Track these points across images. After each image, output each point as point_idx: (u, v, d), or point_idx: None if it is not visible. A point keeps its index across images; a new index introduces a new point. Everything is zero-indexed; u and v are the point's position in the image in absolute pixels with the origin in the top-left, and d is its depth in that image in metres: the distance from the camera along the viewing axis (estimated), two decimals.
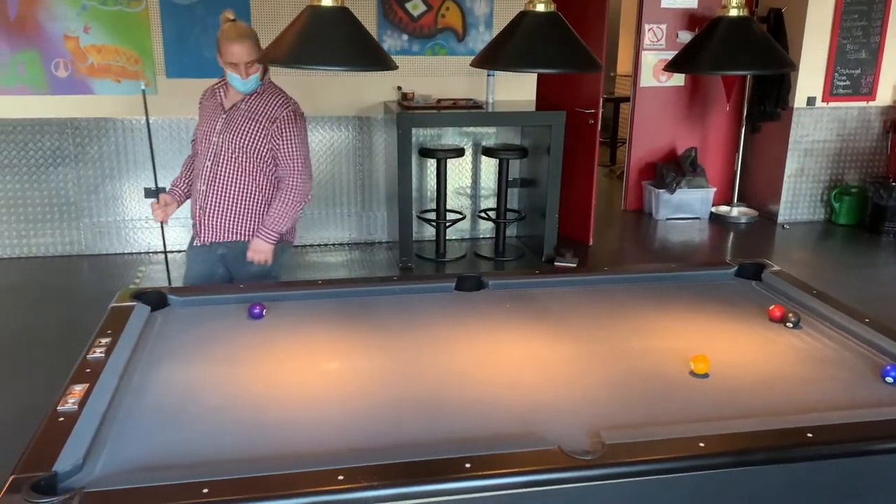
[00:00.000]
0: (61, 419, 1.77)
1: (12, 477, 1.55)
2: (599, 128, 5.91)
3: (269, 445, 1.75)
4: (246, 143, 3.04)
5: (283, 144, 3.07)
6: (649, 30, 6.91)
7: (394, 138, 5.31)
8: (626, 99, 8.56)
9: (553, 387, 2.06)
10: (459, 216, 5.92)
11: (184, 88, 5.52)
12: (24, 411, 2.26)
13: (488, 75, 5.60)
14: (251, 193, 3.12)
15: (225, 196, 3.11)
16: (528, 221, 5.99)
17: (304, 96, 5.75)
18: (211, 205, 3.12)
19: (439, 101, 5.62)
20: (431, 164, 5.89)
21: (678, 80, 7.08)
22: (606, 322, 2.50)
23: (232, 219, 3.14)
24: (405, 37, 5.73)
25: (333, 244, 6.10)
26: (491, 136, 6.01)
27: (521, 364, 2.20)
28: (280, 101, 3.09)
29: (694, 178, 7.00)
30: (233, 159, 3.06)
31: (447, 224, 5.80)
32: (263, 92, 3.07)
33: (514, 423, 1.86)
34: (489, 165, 6.09)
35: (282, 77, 5.73)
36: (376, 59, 1.84)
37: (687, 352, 2.20)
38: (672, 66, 2.25)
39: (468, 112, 5.49)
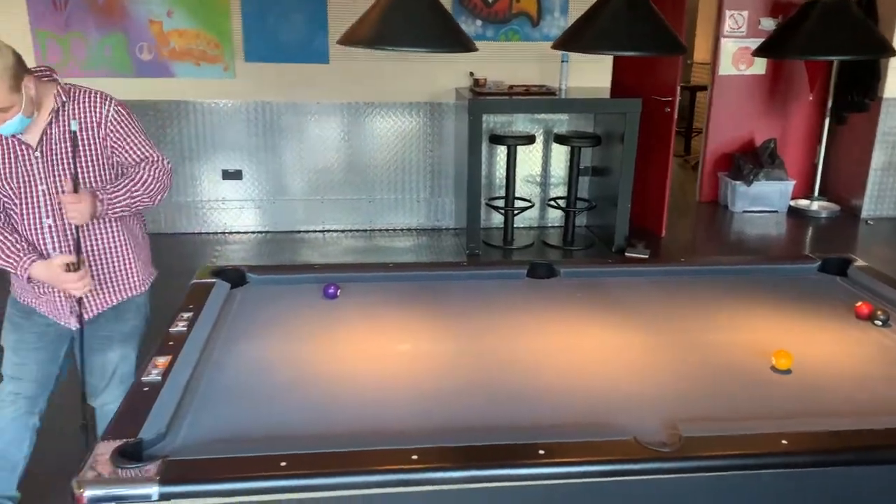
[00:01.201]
0: (146, 389, 1.83)
1: (100, 442, 1.61)
2: (676, 116, 5.77)
3: (343, 423, 1.78)
4: (93, 171, 2.32)
5: (125, 143, 2.34)
6: (730, 16, 6.69)
7: (464, 125, 5.30)
8: (703, 87, 8.34)
9: (627, 377, 2.03)
10: (528, 204, 5.88)
11: (261, 72, 5.63)
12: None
13: (562, 61, 5.52)
14: (126, 227, 2.46)
15: (109, 252, 2.42)
16: (598, 211, 5.90)
17: (377, 82, 5.84)
18: (99, 273, 2.42)
19: (511, 87, 5.58)
20: (501, 150, 5.86)
21: (759, 68, 6.84)
22: (682, 314, 2.44)
23: (129, 270, 2.48)
24: (479, 22, 5.70)
25: (401, 229, 6.14)
26: (563, 123, 5.94)
27: (594, 353, 2.17)
28: (96, 100, 2.32)
29: (772, 171, 6.77)
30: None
31: (515, 212, 5.76)
32: (70, 99, 2.29)
33: (587, 412, 1.84)
34: (559, 153, 6.02)
35: (354, 63, 5.83)
36: (457, 41, 1.84)
37: (767, 347, 2.13)
38: (761, 52, 2.17)
39: (541, 98, 5.43)
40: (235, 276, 2.61)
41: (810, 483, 1.66)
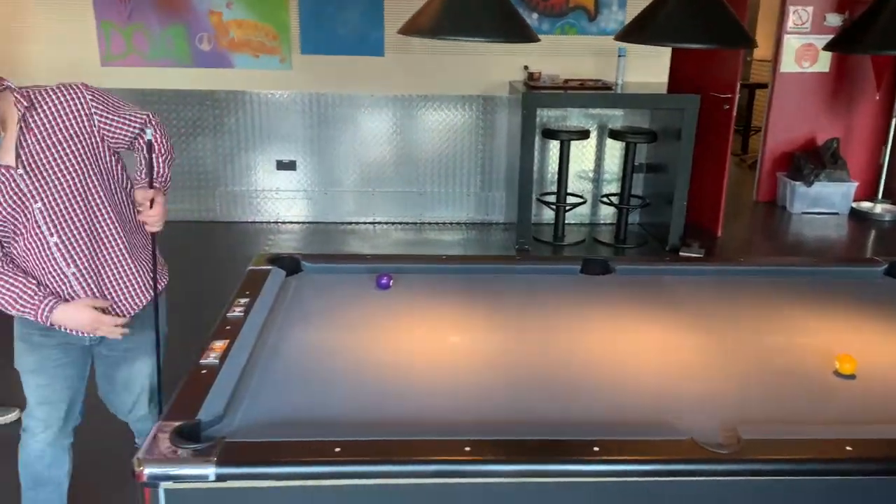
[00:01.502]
0: (203, 371, 1.86)
1: (160, 422, 1.65)
2: (735, 114, 5.64)
3: (395, 411, 1.78)
4: (82, 173, 2.08)
5: (118, 121, 2.13)
6: (794, 12, 6.51)
7: (517, 118, 5.27)
8: (762, 85, 8.14)
9: (683, 376, 1.99)
10: (580, 200, 5.82)
11: (317, 64, 5.68)
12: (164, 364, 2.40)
13: (619, 56, 5.45)
14: (135, 228, 2.25)
15: (118, 260, 2.19)
16: (652, 208, 5.81)
17: (430, 76, 5.84)
18: (111, 286, 2.19)
19: (566, 81, 5.52)
20: (554, 145, 5.81)
21: (822, 65, 6.64)
22: (741, 314, 2.39)
23: (138, 279, 2.25)
24: (535, 15, 5.65)
25: (450, 223, 6.14)
26: (618, 118, 5.85)
27: (649, 351, 2.13)
28: (68, 94, 2.06)
29: (834, 171, 6.57)
30: (86, 208, 2.10)
31: (567, 207, 5.71)
32: (35, 103, 2.02)
33: (642, 410, 1.81)
34: (614, 149, 5.94)
35: (409, 56, 5.84)
36: (519, 31, 1.82)
37: (830, 351, 2.07)
38: (833, 46, 2.10)
39: (596, 93, 5.36)
40: (291, 264, 2.63)
41: (875, 492, 1.61)
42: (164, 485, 1.52)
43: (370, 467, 1.54)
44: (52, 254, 2.08)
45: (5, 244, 2.08)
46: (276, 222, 6.08)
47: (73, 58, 5.54)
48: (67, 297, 2.13)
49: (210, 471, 1.50)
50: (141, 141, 2.21)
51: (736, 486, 1.59)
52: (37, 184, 2.01)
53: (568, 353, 2.10)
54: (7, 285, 2.05)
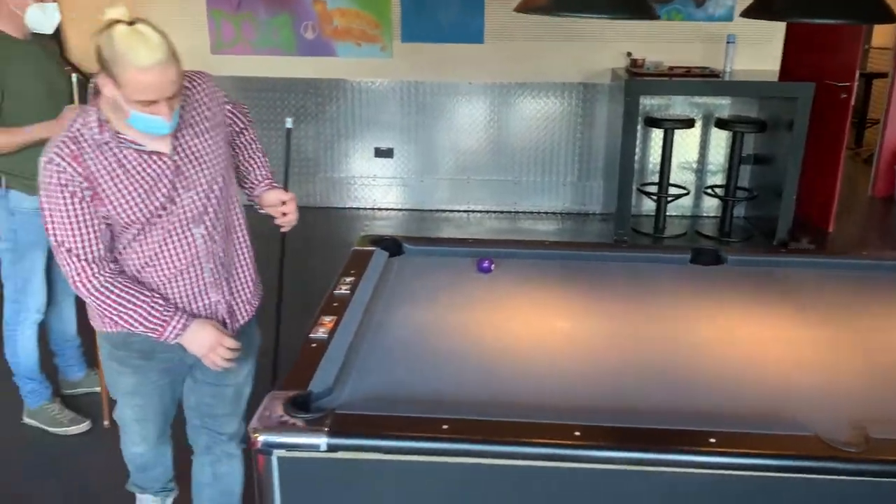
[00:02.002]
0: (314, 345, 1.90)
1: (272, 392, 1.69)
2: (852, 103, 5.33)
3: (502, 393, 1.77)
4: (223, 162, 2.02)
5: (233, 109, 2.16)
6: None
7: (619, 106, 5.14)
8: (881, 75, 7.66)
9: (804, 371, 1.89)
10: (683, 191, 5.64)
11: (417, 52, 5.72)
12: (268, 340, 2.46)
13: (727, 42, 5.23)
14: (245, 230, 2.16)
15: (240, 259, 2.13)
16: (758, 201, 5.57)
17: (530, 63, 5.78)
18: (236, 284, 2.11)
19: (671, 68, 5.35)
20: (657, 134, 5.65)
21: None
22: (865, 309, 2.25)
23: (254, 276, 2.19)
24: None
25: (546, 212, 6.07)
26: (724, 107, 5.63)
27: (766, 344, 2.04)
28: (205, 78, 2.03)
29: None
30: (224, 200, 2.03)
31: (669, 199, 5.54)
32: (191, 86, 1.97)
33: (759, 403, 1.73)
34: (719, 139, 5.72)
35: (510, 43, 5.80)
36: (640, 8, 1.76)
37: None
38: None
39: (704, 81, 5.17)
40: (393, 246, 2.66)
41: None
42: (277, 452, 1.55)
43: (477, 446, 1.54)
44: (196, 247, 1.96)
45: (124, 254, 1.92)
46: (373, 208, 6.17)
47: (185, 46, 5.66)
48: (200, 292, 2.00)
49: (322, 440, 1.53)
50: (247, 135, 2.21)
51: (860, 487, 1.50)
52: (189, 173, 1.92)
53: (679, 343, 2.03)
54: (134, 301, 1.87)
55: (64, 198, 1.78)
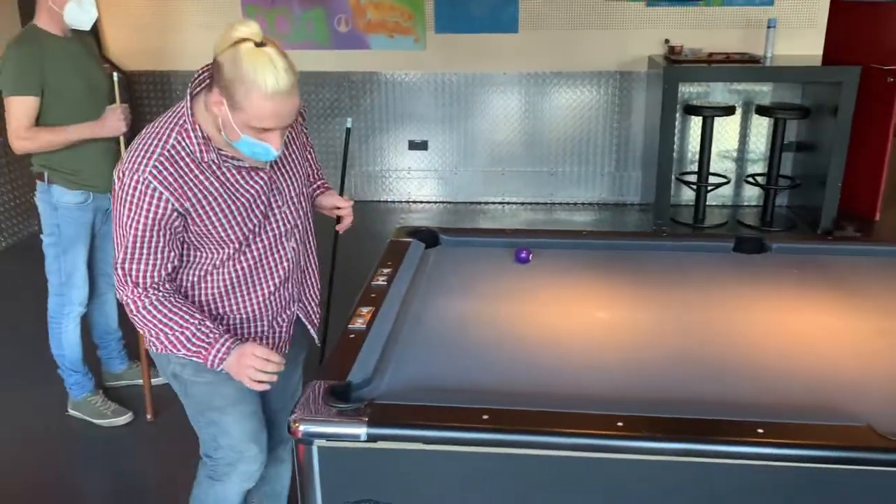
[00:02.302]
0: (352, 336, 1.89)
1: (313, 382, 1.69)
2: None
3: (543, 384, 1.75)
4: (305, 171, 1.98)
5: (303, 119, 2.05)
6: None
7: (656, 94, 5.06)
8: None
9: (855, 361, 1.83)
10: (723, 180, 5.53)
11: (450, 43, 5.69)
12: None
13: (768, 27, 5.11)
14: None
15: (312, 264, 2.09)
16: (801, 190, 5.44)
17: (565, 51, 5.71)
18: (309, 289, 2.09)
19: (710, 55, 5.25)
20: (695, 123, 5.55)
21: None
22: None
23: (319, 279, 2.16)
24: None
25: (582, 203, 6.00)
26: (765, 94, 5.51)
27: (814, 333, 1.98)
28: None
29: None
30: (307, 209, 2.01)
31: (709, 188, 5.44)
32: None
33: (808, 393, 1.68)
34: (760, 127, 5.61)
35: (544, 32, 5.74)
36: None
37: None
38: None
39: (743, 67, 5.06)
40: (429, 237, 2.64)
41: None
42: (317, 442, 1.55)
43: (517, 437, 1.51)
44: (288, 260, 1.93)
45: (214, 274, 1.85)
46: (408, 201, 6.17)
47: None
48: (287, 304, 1.97)
49: (362, 430, 1.52)
50: (306, 134, 2.05)
51: None
52: (283, 187, 1.87)
53: (723, 332, 1.99)
54: (181, 322, 1.77)
55: (145, 225, 1.70)
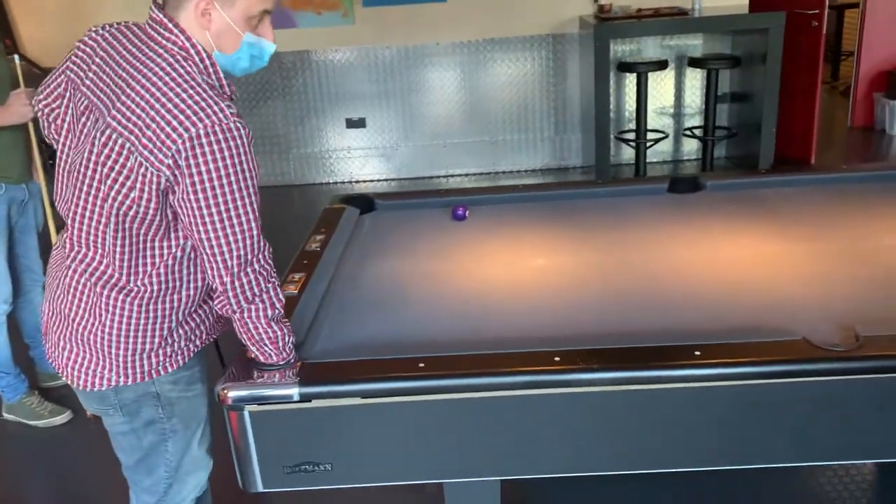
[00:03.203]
0: None
1: (239, 350, 1.62)
2: (824, 31, 5.25)
3: (481, 330, 1.71)
4: None
5: None
6: None
7: (590, 55, 5.04)
8: (851, 5, 7.58)
9: (790, 283, 1.83)
10: (662, 135, 5.56)
11: (379, 16, 5.59)
12: None
13: None
14: None
15: None
16: (739, 139, 5.50)
17: (496, 17, 5.66)
18: None
19: (639, 10, 5.26)
20: (630, 80, 5.56)
21: None
22: (848, 221, 2.20)
23: None
24: None
25: (526, 170, 5.99)
26: (696, 48, 5.54)
27: (751, 262, 1.98)
28: None
29: None
30: None
31: (648, 144, 5.47)
32: None
33: (747, 316, 1.67)
34: (693, 81, 5.65)
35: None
36: None
37: None
38: None
39: (672, 19, 5.07)
40: (364, 203, 2.58)
41: None
42: (248, 408, 1.49)
43: (455, 381, 1.47)
44: None
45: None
46: (350, 182, 6.07)
47: None
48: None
49: (293, 391, 1.47)
50: None
51: (855, 386, 1.45)
52: None
53: (662, 268, 1.97)
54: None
55: (254, 179, 1.42)
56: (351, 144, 5.99)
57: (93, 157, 1.45)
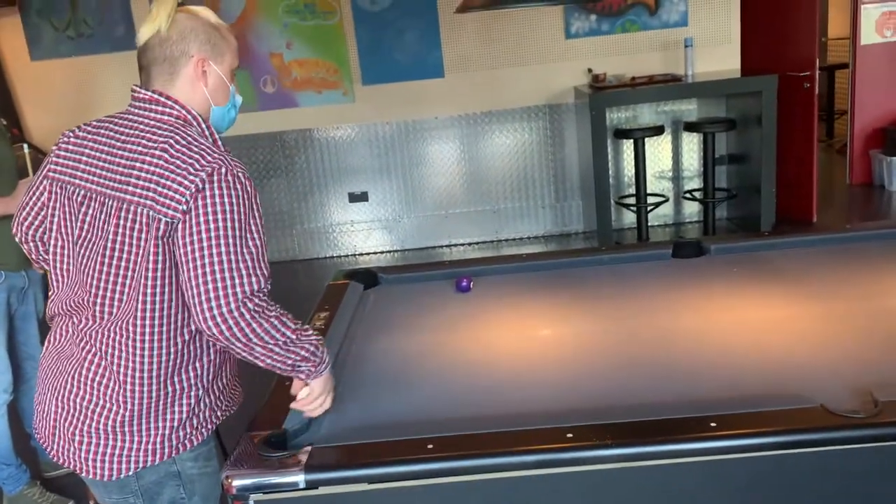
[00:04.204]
0: (287, 383, 1.79)
1: (245, 434, 1.59)
2: (817, 92, 5.34)
3: (490, 406, 1.67)
4: None
5: None
6: None
7: (586, 123, 5.12)
8: (842, 65, 7.73)
9: (804, 347, 1.80)
10: (662, 199, 5.60)
11: (379, 93, 5.71)
12: (251, 379, 2.34)
13: (686, 46, 5.26)
14: None
15: None
16: (739, 201, 5.53)
17: (492, 91, 5.77)
18: None
19: (633, 78, 5.36)
20: (628, 146, 5.63)
21: None
22: (857, 281, 2.18)
23: None
24: (593, 17, 5.53)
25: (528, 237, 6.01)
26: (692, 112, 5.63)
27: (761, 326, 1.95)
28: None
29: None
30: None
31: (649, 208, 5.50)
32: None
33: (760, 383, 1.64)
34: (691, 144, 5.72)
35: (469, 74, 5.79)
36: None
37: None
38: None
39: (666, 86, 5.16)
40: (368, 278, 2.57)
41: None
42: (253, 497, 1.44)
43: (465, 462, 1.43)
44: None
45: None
46: (354, 254, 6.09)
47: None
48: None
49: (299, 478, 1.43)
50: None
51: (876, 452, 1.41)
52: None
53: (670, 336, 1.95)
54: (293, 320, 1.55)
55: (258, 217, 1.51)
56: (354, 218, 6.03)
57: (118, 238, 1.48)
